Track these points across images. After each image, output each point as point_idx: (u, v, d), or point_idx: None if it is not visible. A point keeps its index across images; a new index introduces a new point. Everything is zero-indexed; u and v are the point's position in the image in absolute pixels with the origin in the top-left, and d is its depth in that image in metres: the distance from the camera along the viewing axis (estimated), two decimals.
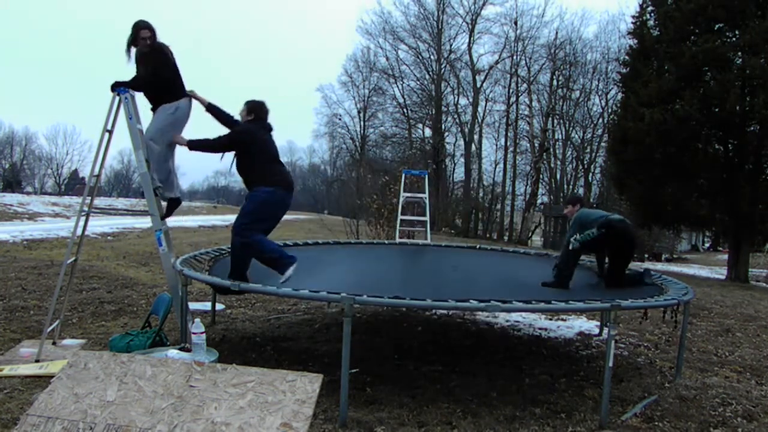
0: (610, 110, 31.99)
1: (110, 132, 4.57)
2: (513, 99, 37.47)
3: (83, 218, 4.72)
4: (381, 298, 3.92)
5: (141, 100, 4.69)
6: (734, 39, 14.27)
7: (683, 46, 14.27)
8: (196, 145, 4.50)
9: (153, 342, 4.27)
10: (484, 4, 36.62)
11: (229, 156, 4.49)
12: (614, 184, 18.12)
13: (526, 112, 37.73)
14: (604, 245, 5.12)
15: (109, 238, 13.53)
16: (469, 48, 37.07)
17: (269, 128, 4.61)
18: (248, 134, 4.45)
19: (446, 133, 38.44)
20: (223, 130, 4.65)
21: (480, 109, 37.90)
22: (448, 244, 9.62)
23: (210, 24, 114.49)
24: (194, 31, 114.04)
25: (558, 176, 38.38)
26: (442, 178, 35.78)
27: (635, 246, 5.58)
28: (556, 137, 37.15)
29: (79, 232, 4.71)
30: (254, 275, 4.50)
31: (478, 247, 8.46)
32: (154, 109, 4.69)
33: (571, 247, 4.96)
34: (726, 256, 19.05)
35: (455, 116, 38.72)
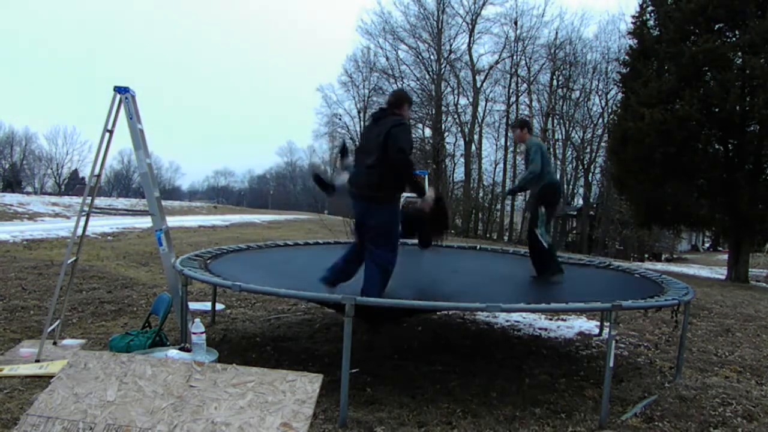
0: (610, 110, 32.01)
1: (111, 132, 4.57)
2: (513, 99, 37.52)
3: (83, 218, 4.72)
4: (381, 298, 3.92)
5: (142, 100, 4.69)
6: (734, 39, 14.27)
7: (683, 46, 14.27)
8: None
9: (153, 342, 4.27)
10: (484, 4, 36.65)
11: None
12: (614, 184, 18.14)
13: (526, 112, 37.74)
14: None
15: (109, 238, 13.53)
16: (469, 48, 37.11)
17: (375, 116, 4.13)
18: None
19: (446, 133, 38.45)
20: None
21: (480, 109, 37.93)
22: (448, 244, 9.61)
23: (209, 24, 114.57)
24: (193, 31, 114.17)
25: (558, 176, 38.37)
26: (442, 178, 35.78)
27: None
28: (556, 137, 37.16)
29: (79, 232, 4.71)
30: (254, 277, 4.50)
31: (478, 247, 8.47)
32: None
33: (547, 246, 5.18)
34: (726, 256, 19.05)
35: (455, 116, 38.73)
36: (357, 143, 4.10)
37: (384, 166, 3.91)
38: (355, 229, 4.30)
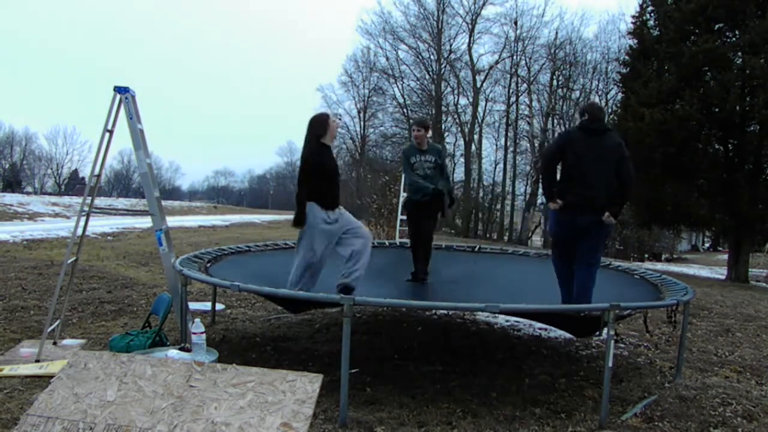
0: (610, 110, 31.95)
1: (111, 132, 4.57)
2: (513, 99, 37.52)
3: (83, 218, 4.71)
4: (381, 298, 3.92)
5: (141, 100, 4.69)
6: (734, 39, 14.27)
7: (683, 46, 14.27)
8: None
9: (153, 342, 4.27)
10: (484, 4, 36.66)
11: None
12: None
13: (526, 112, 37.79)
14: None
15: (109, 238, 13.54)
16: (469, 48, 37.12)
17: (591, 129, 4.20)
18: (560, 139, 4.42)
19: (446, 133, 38.46)
20: None
21: (480, 109, 37.93)
22: (448, 244, 9.61)
23: (209, 24, 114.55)
24: (193, 31, 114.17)
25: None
26: None
27: None
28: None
29: (79, 232, 4.71)
30: (259, 278, 4.49)
31: (477, 247, 8.47)
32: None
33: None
34: (726, 256, 19.05)
35: (455, 116, 38.74)
36: (571, 157, 4.17)
37: (615, 178, 4.19)
38: (566, 244, 4.36)
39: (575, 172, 4.19)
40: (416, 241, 5.73)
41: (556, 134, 36.96)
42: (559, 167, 4.34)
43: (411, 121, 31.19)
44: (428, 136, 5.58)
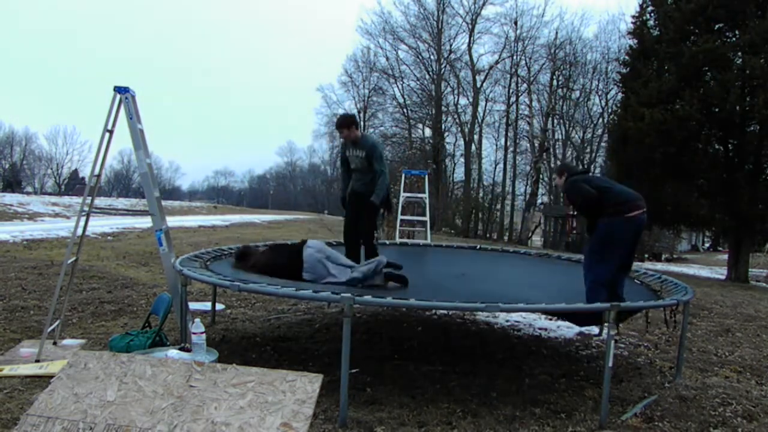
0: (610, 110, 32.05)
1: (111, 132, 4.57)
2: (513, 99, 37.55)
3: (83, 218, 4.71)
4: (381, 298, 3.92)
5: (141, 100, 4.69)
6: (734, 39, 14.28)
7: (683, 46, 14.28)
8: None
9: (153, 342, 4.27)
10: (484, 4, 36.69)
11: None
12: None
13: (526, 112, 37.83)
14: None
15: (109, 238, 13.53)
16: (469, 48, 37.15)
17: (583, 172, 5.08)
18: (580, 183, 4.61)
19: (446, 133, 38.52)
20: None
21: (480, 109, 37.96)
22: (448, 244, 9.62)
23: (210, 24, 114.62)
24: (193, 31, 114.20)
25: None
26: (442, 178, 35.80)
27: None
28: (556, 137, 37.19)
29: (79, 232, 4.70)
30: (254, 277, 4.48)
31: (478, 247, 8.47)
32: None
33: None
34: (726, 256, 19.06)
35: (455, 116, 38.77)
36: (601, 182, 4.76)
37: None
38: (627, 248, 4.53)
39: (617, 186, 4.61)
40: (353, 232, 5.73)
41: (555, 134, 37.01)
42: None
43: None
44: (356, 131, 5.44)
